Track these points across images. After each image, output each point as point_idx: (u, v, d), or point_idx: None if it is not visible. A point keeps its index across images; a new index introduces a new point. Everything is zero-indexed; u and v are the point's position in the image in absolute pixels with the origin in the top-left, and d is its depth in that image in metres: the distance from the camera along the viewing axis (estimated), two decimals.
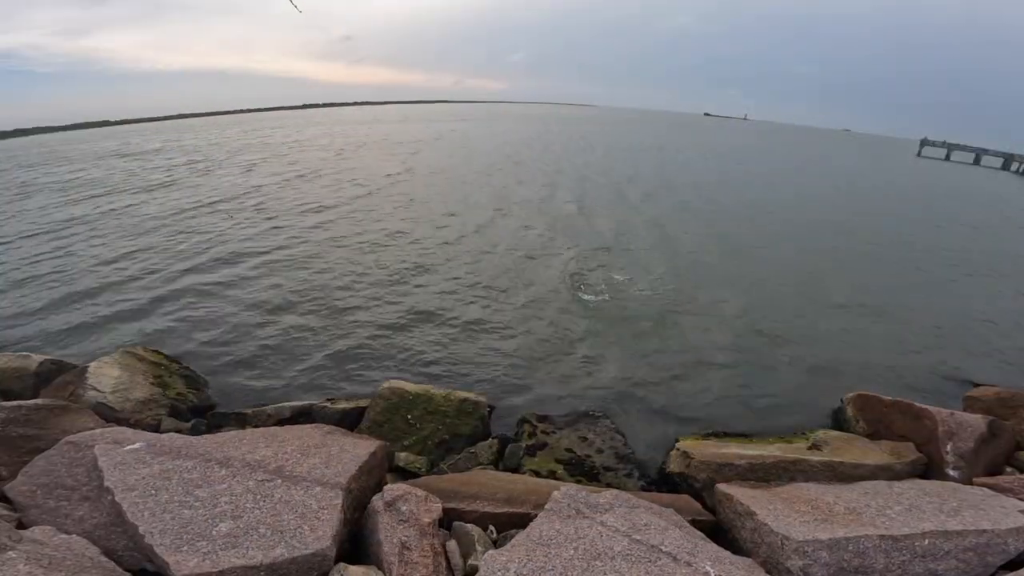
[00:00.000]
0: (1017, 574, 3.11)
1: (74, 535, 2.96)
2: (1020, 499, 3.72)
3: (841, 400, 5.78)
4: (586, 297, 8.95)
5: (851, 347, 7.56)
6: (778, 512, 3.51)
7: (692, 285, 9.70)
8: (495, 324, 7.80)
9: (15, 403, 4.05)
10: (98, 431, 3.76)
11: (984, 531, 3.26)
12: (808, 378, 6.64)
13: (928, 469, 4.48)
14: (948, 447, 4.44)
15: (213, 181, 19.49)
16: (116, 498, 3.10)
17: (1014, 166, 43.89)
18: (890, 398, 5.21)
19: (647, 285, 9.59)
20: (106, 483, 3.21)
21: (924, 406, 4.85)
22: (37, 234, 12.32)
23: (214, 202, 15.61)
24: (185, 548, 2.82)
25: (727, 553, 3.23)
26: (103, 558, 2.86)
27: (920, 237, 15.12)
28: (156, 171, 22.12)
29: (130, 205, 15.51)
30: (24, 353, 5.59)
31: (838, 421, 5.64)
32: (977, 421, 4.69)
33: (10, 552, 2.45)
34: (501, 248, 11.48)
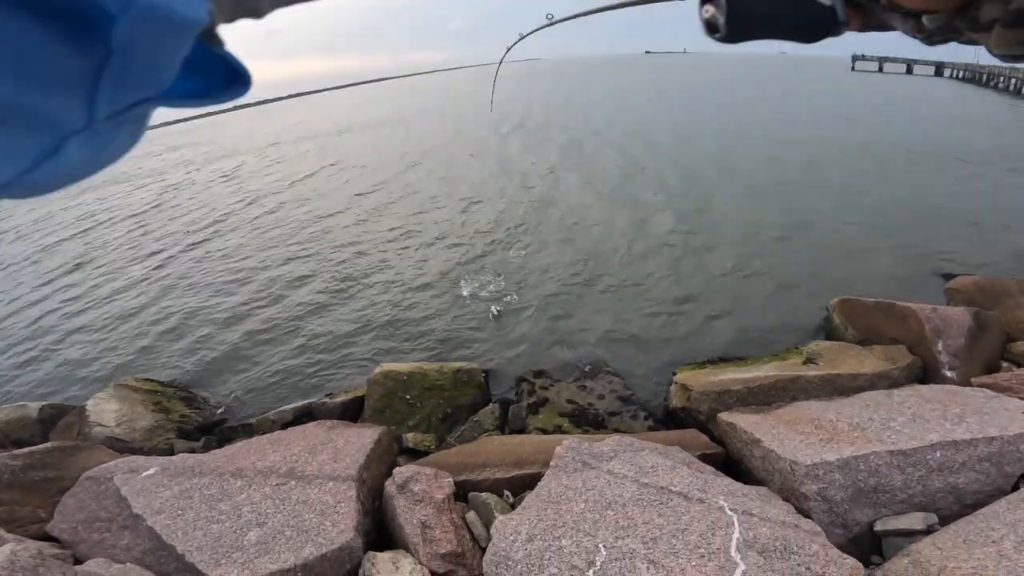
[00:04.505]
0: None
1: (128, 563, 3.05)
2: (1022, 398, 3.69)
3: (826, 308, 5.78)
4: (554, 244, 8.91)
5: (828, 254, 7.56)
6: (782, 436, 3.53)
7: (658, 221, 9.63)
8: (474, 289, 7.76)
9: (27, 450, 4.11)
10: (112, 463, 3.83)
11: (993, 438, 3.24)
12: (792, 291, 6.66)
13: (925, 372, 4.47)
14: (939, 346, 4.42)
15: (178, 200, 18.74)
16: (149, 523, 3.19)
17: (946, 72, 43.59)
18: (872, 300, 5.21)
19: (613, 225, 9.53)
20: (135, 510, 3.30)
21: (906, 304, 4.85)
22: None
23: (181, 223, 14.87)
24: (223, 561, 2.93)
25: (739, 485, 3.26)
26: None
27: (873, 140, 15.06)
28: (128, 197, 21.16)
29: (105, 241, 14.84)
30: (21, 404, 5.60)
31: (828, 331, 5.64)
32: (962, 315, 4.68)
33: None
34: (477, 216, 11.29)
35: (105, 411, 5.09)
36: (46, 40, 0.26)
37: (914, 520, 3.05)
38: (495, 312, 6.96)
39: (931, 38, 0.54)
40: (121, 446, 4.75)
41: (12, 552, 2.49)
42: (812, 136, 16.05)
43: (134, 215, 16.50)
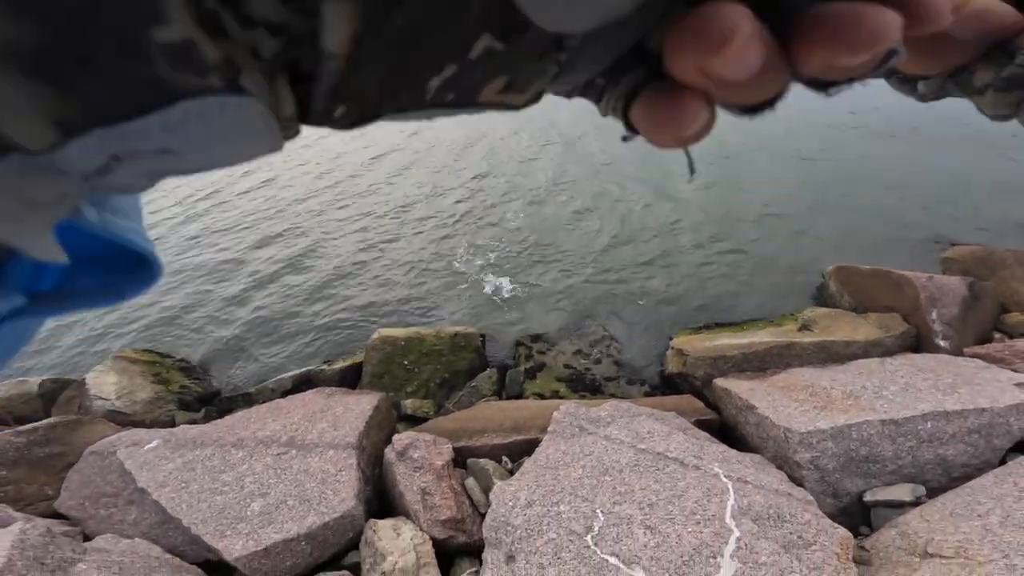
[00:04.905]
0: None
1: (136, 538, 3.10)
2: (1013, 370, 3.72)
3: (823, 275, 5.78)
4: (553, 212, 8.78)
5: (825, 224, 7.48)
6: (777, 403, 3.56)
7: (658, 192, 9.47)
8: (472, 254, 7.68)
9: (30, 426, 4.12)
10: (115, 436, 3.85)
11: (984, 410, 3.26)
12: (790, 258, 6.61)
13: (918, 341, 4.48)
14: (933, 314, 4.42)
15: None
16: (154, 497, 3.24)
17: None
18: (869, 267, 5.21)
19: (614, 193, 9.40)
20: (139, 484, 3.33)
21: (902, 272, 4.84)
22: None
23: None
24: (229, 532, 2.99)
25: (734, 452, 3.31)
26: (168, 556, 3.02)
27: (871, 115, 14.71)
28: None
29: None
30: (21, 379, 5.57)
31: (823, 298, 5.64)
32: (957, 284, 4.67)
33: (80, 564, 2.59)
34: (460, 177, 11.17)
35: (105, 384, 5.09)
36: None
37: (903, 491, 3.11)
38: (492, 276, 6.92)
39: (925, 98, 0.55)
40: (122, 419, 4.76)
41: (22, 531, 2.52)
42: (806, 110, 15.71)
43: None
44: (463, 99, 0.28)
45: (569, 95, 0.36)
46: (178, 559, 2.99)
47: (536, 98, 0.31)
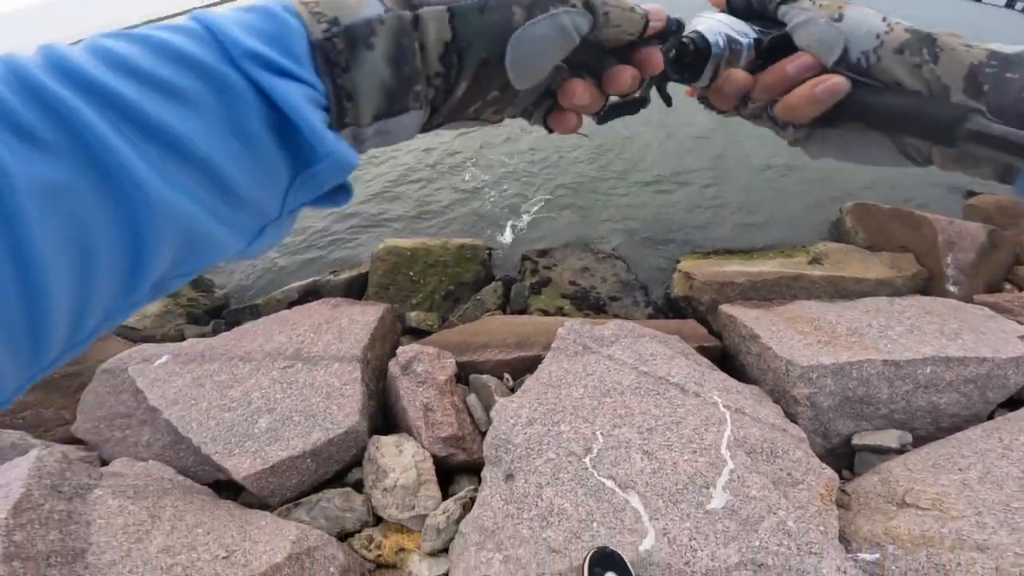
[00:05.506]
0: (1018, 414, 3.05)
1: (149, 460, 3.12)
2: (1020, 321, 3.63)
3: (840, 211, 5.63)
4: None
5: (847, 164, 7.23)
6: (781, 334, 3.50)
7: (679, 112, 9.05)
8: (481, 167, 7.51)
9: None
10: (125, 353, 3.77)
11: (985, 359, 3.18)
12: (808, 192, 6.41)
13: (929, 284, 4.41)
14: (948, 258, 4.31)
15: None
16: (165, 416, 3.22)
17: (1018, 5, 38.40)
18: (889, 207, 5.06)
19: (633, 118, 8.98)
20: (151, 403, 3.30)
21: (924, 214, 4.69)
22: None
23: None
24: (237, 451, 2.99)
25: (734, 381, 3.27)
26: (180, 477, 3.06)
27: None
28: None
29: None
30: None
31: (838, 233, 5.51)
32: (977, 230, 4.53)
33: (96, 490, 2.60)
34: None
35: None
36: (280, 160, 0.44)
37: (890, 437, 3.11)
38: (500, 191, 6.76)
39: (750, 119, 0.77)
40: (134, 335, 4.72)
41: (38, 458, 2.52)
42: None
43: None
44: (476, 116, 0.58)
45: (513, 116, 0.63)
46: (190, 480, 3.04)
47: (503, 119, 0.62)
